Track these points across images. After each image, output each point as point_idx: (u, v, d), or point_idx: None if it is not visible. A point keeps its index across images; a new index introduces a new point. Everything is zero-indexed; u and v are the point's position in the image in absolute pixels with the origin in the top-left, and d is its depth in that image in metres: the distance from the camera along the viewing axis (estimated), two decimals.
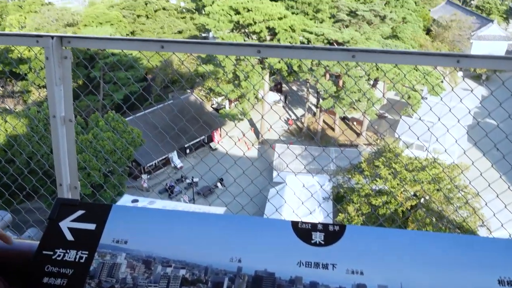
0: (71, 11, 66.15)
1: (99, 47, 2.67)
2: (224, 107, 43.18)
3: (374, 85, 38.42)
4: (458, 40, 49.29)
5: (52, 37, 2.64)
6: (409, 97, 34.29)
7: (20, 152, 18.28)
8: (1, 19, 73.49)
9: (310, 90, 42.83)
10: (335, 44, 35.53)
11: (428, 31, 53.34)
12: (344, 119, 42.29)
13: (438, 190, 19.75)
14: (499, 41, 50.75)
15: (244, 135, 39.48)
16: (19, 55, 29.42)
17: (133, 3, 50.98)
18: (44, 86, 30.82)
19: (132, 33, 47.10)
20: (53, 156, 2.77)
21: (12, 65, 33.11)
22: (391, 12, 43.49)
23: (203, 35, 51.65)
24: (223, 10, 35.68)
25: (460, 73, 45.27)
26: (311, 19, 40.81)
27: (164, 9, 51.08)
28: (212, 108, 42.70)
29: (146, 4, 50.68)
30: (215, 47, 2.52)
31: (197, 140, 35.93)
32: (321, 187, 23.47)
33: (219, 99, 43.07)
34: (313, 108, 44.02)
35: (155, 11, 50.31)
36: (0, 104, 34.28)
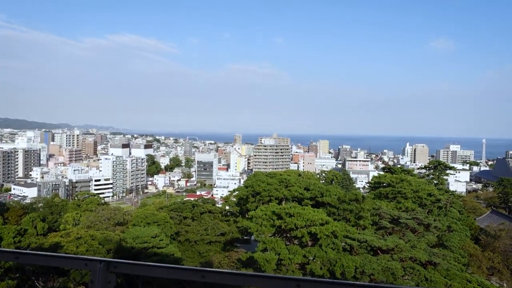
0: (123, 211, 70.77)
1: (144, 273, 2.72)
2: None
3: None
4: (511, 250, 47.11)
5: (100, 261, 2.75)
6: None
7: None
8: (59, 216, 79.07)
9: None
10: (379, 251, 34.76)
11: (476, 240, 51.83)
12: None
13: None
14: None
15: None
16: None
17: (181, 206, 54.07)
18: (84, 284, 30.81)
19: (177, 233, 48.58)
20: None
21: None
22: (434, 220, 43.34)
23: (245, 238, 52.41)
24: (266, 214, 36.88)
25: None
26: (353, 226, 41.05)
27: (209, 212, 53.58)
28: None
29: (193, 206, 53.57)
30: (255, 278, 2.51)
31: None
32: None
33: None
34: None
35: (201, 213, 52.74)
36: None
